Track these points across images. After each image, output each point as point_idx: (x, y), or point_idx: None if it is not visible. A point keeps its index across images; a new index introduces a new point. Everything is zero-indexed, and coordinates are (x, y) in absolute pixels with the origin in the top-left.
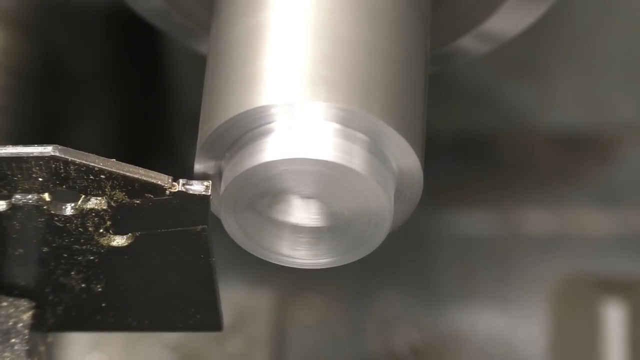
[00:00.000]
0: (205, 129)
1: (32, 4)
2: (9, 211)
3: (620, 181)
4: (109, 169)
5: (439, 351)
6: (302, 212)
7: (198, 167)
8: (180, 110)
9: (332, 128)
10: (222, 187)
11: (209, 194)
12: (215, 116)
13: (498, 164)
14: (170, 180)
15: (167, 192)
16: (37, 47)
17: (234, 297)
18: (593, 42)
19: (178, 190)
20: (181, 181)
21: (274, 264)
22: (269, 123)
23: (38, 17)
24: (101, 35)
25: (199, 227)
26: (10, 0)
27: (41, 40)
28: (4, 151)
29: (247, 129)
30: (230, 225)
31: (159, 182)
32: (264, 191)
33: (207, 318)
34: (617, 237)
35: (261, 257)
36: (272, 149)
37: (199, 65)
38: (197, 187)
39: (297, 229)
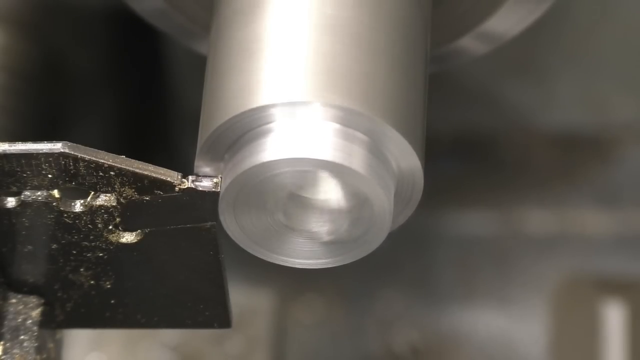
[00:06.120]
0: (205, 129)
1: (32, 4)
2: (18, 208)
3: (620, 181)
4: (119, 165)
5: (439, 351)
6: (301, 212)
7: (198, 167)
8: (180, 110)
9: (332, 128)
10: (222, 187)
11: (219, 190)
12: (215, 116)
13: (498, 164)
14: (179, 177)
15: (177, 188)
16: (37, 47)
17: (234, 297)
18: (593, 42)
19: (187, 187)
20: (190, 177)
21: (274, 264)
22: (269, 123)
23: (38, 17)
24: (101, 35)
25: (208, 224)
26: (10, 0)
27: (41, 40)
28: (13, 148)
29: (247, 129)
30: (230, 225)
31: (169, 179)
32: (264, 191)
33: (216, 314)
34: (617, 237)
35: (261, 257)
36: (271, 149)
37: (199, 65)
38: (206, 184)
39: (296, 229)
